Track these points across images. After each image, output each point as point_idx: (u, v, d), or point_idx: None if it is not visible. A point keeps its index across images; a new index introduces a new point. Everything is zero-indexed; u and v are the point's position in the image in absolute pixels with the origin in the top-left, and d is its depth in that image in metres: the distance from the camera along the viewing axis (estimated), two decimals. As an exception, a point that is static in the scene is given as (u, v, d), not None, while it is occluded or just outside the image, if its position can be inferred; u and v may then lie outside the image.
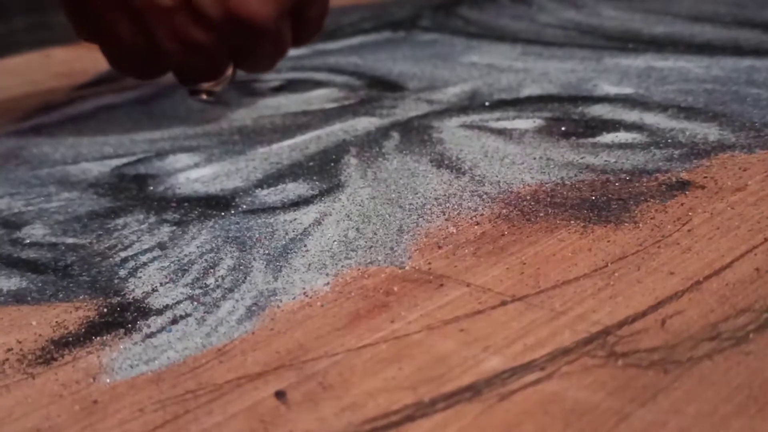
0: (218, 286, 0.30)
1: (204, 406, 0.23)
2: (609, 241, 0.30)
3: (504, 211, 0.34)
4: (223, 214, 0.36)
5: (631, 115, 0.43)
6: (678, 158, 0.37)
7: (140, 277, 0.31)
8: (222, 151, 0.44)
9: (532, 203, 0.34)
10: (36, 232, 0.35)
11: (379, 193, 0.36)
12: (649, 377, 0.23)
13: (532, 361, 0.24)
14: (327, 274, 0.30)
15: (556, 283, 0.28)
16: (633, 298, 0.27)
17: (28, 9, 0.99)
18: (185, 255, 0.32)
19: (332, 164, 0.40)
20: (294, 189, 0.38)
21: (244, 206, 0.36)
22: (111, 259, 0.33)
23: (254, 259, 0.31)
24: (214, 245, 0.33)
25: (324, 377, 0.24)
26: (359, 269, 0.30)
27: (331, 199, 0.36)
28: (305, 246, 0.32)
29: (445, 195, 0.35)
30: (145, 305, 0.29)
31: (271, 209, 0.36)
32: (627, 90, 0.48)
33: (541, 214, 0.33)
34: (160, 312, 0.28)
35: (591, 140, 0.40)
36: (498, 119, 0.45)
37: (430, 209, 0.34)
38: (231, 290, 0.29)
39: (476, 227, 0.32)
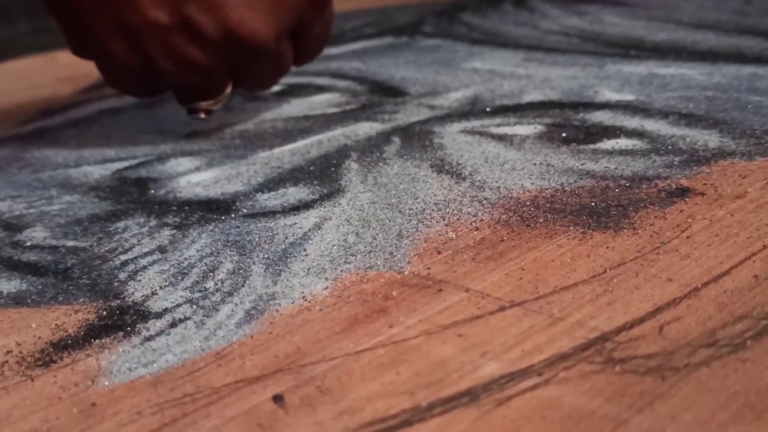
0: (217, 290, 0.30)
1: (202, 410, 0.23)
2: (608, 248, 0.30)
3: (503, 216, 0.34)
4: (223, 218, 0.36)
5: (632, 122, 0.43)
6: (678, 165, 0.37)
7: (140, 281, 0.31)
8: (223, 156, 0.44)
9: (532, 209, 0.34)
10: (37, 234, 0.36)
11: (379, 198, 0.36)
12: (646, 384, 0.23)
13: (530, 366, 0.24)
14: (326, 279, 0.30)
15: (554, 289, 0.28)
16: (631, 304, 0.27)
17: (32, 13, 0.99)
18: (185, 258, 0.32)
19: (333, 169, 0.40)
20: (294, 193, 0.38)
21: (245, 210, 0.36)
22: (111, 262, 0.33)
23: (254, 263, 0.31)
24: (214, 249, 0.33)
25: (322, 381, 0.24)
26: (358, 274, 0.30)
27: (331, 204, 0.36)
28: (305, 250, 0.32)
29: (445, 200, 0.36)
30: (144, 308, 0.29)
31: (271, 213, 0.36)
32: (628, 97, 0.48)
33: (541, 220, 0.33)
34: (159, 315, 0.28)
35: (591, 146, 0.40)
36: (499, 125, 0.45)
37: (429, 214, 0.34)
38: (230, 294, 0.29)
39: (476, 233, 0.32)
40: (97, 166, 0.44)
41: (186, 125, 0.49)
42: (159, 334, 0.27)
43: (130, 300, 0.30)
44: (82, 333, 0.28)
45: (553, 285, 0.28)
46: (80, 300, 0.30)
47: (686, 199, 0.34)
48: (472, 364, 0.24)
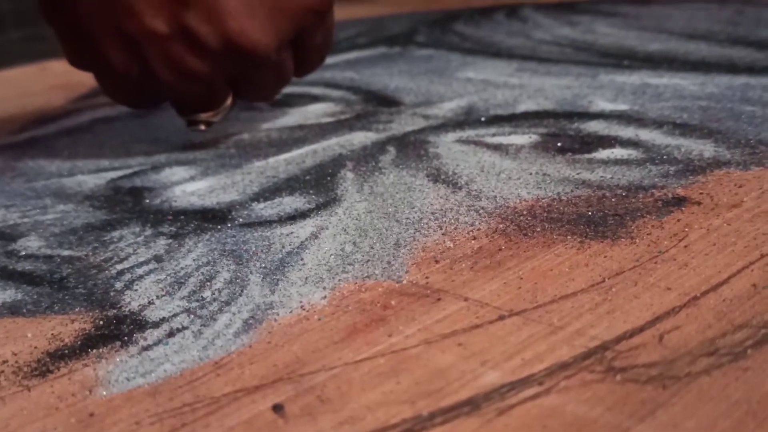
0: (215, 299, 0.30)
1: (201, 420, 0.23)
2: (606, 257, 0.30)
3: (501, 225, 0.34)
4: (219, 227, 0.36)
5: (627, 132, 0.43)
6: (674, 174, 0.37)
7: (136, 290, 0.31)
8: (218, 165, 0.44)
9: (529, 218, 0.34)
10: (31, 244, 0.35)
11: (376, 207, 0.36)
12: (647, 392, 0.23)
13: (531, 375, 0.24)
14: (324, 288, 0.30)
15: (553, 298, 0.28)
16: (630, 313, 0.27)
17: (24, 22, 0.99)
18: (181, 268, 0.32)
19: (329, 178, 0.40)
20: (290, 203, 0.38)
21: (241, 219, 0.36)
22: (107, 271, 0.32)
23: (251, 272, 0.31)
24: (210, 258, 0.33)
25: (322, 391, 0.24)
26: (356, 283, 0.30)
27: (327, 213, 0.36)
28: (302, 259, 0.32)
29: (441, 209, 0.36)
30: (141, 318, 0.29)
31: (267, 223, 0.36)
32: (622, 106, 0.48)
33: (538, 229, 0.33)
34: (156, 325, 0.28)
35: (587, 156, 0.40)
36: (494, 134, 0.45)
37: (426, 224, 0.34)
38: (228, 303, 0.29)
39: (473, 242, 0.32)
40: (91, 175, 0.44)
41: (180, 134, 0.49)
42: (157, 343, 0.27)
43: (127, 309, 0.29)
44: (79, 343, 0.28)
45: (551, 294, 0.28)
46: (76, 309, 0.30)
47: (683, 209, 0.34)
48: (473, 373, 0.24)
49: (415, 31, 0.81)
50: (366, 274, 0.30)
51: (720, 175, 0.37)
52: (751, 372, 0.23)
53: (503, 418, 0.22)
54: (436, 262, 0.31)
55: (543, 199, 0.36)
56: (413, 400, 0.23)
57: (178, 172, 0.43)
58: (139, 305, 0.30)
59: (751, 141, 0.41)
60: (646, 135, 0.43)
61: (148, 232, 0.36)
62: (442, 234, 0.33)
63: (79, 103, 0.62)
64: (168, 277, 0.31)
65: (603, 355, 0.24)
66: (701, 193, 0.35)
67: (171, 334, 0.28)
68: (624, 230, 0.32)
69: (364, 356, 0.25)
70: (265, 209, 0.37)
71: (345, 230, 0.34)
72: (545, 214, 0.34)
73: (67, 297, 0.31)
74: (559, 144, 0.42)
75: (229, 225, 0.36)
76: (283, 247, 0.33)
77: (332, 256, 0.32)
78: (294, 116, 0.52)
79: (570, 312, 0.27)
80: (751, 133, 0.42)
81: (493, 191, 0.37)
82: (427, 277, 0.30)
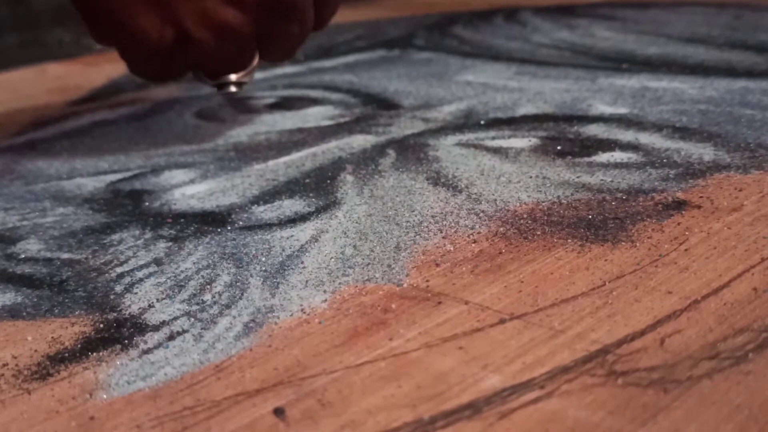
0: (215, 303, 0.29)
1: (202, 423, 0.23)
2: (606, 260, 0.30)
3: (501, 229, 0.34)
4: (219, 230, 0.36)
5: (627, 135, 0.43)
6: (674, 178, 0.37)
7: (136, 293, 0.31)
8: (217, 168, 0.44)
9: (529, 222, 0.34)
10: (31, 247, 0.35)
11: (376, 211, 0.36)
12: (649, 396, 0.23)
13: (532, 379, 0.24)
14: (324, 291, 0.30)
15: (554, 302, 0.28)
16: (631, 317, 0.26)
17: (22, 25, 0.99)
18: (181, 271, 0.32)
19: (328, 181, 0.40)
20: (290, 206, 0.38)
21: (241, 222, 0.36)
22: (107, 274, 0.32)
23: (251, 275, 0.31)
24: (210, 261, 0.33)
25: (323, 394, 0.24)
26: (357, 286, 0.30)
27: (327, 216, 0.36)
28: (302, 263, 0.32)
29: (441, 213, 0.35)
30: (141, 321, 0.29)
31: (267, 226, 0.36)
32: (622, 110, 0.48)
33: (538, 233, 0.33)
34: (156, 328, 0.28)
35: (587, 159, 0.40)
36: (493, 138, 0.45)
37: (427, 227, 0.34)
38: (228, 307, 0.29)
39: (473, 245, 0.32)
40: (91, 178, 0.44)
41: (179, 137, 0.49)
42: (157, 347, 0.27)
43: (127, 313, 0.29)
44: (79, 346, 0.28)
45: (552, 297, 0.28)
46: (76, 313, 0.30)
47: (683, 212, 0.34)
48: (474, 376, 0.24)
49: (413, 34, 0.81)
50: (366, 278, 0.30)
51: (720, 178, 0.37)
52: (753, 376, 0.23)
53: (504, 422, 0.22)
54: (437, 265, 0.31)
55: (543, 202, 0.36)
56: (414, 404, 0.23)
57: (178, 175, 0.43)
58: (140, 308, 0.30)
59: (750, 144, 0.41)
60: (645, 138, 0.43)
61: (148, 235, 0.36)
62: (443, 237, 0.33)
63: (78, 105, 0.62)
64: (168, 281, 0.31)
65: (604, 359, 0.24)
66: (701, 197, 0.35)
67: (171, 337, 0.27)
68: (624, 234, 0.32)
69: (364, 360, 0.25)
70: (265, 212, 0.37)
71: (345, 233, 0.34)
72: (545, 218, 0.34)
73: (67, 300, 0.31)
74: (558, 147, 0.42)
75: (229, 228, 0.36)
76: (284, 250, 0.33)
77: (332, 260, 0.32)
78: (293, 119, 0.52)
79: (571, 316, 0.27)
80: (751, 136, 0.42)
81: (493, 194, 0.37)
82: (427, 281, 0.30)
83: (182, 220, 0.37)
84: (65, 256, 0.34)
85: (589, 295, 0.28)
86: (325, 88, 0.60)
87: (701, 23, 0.74)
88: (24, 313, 0.30)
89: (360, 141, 0.46)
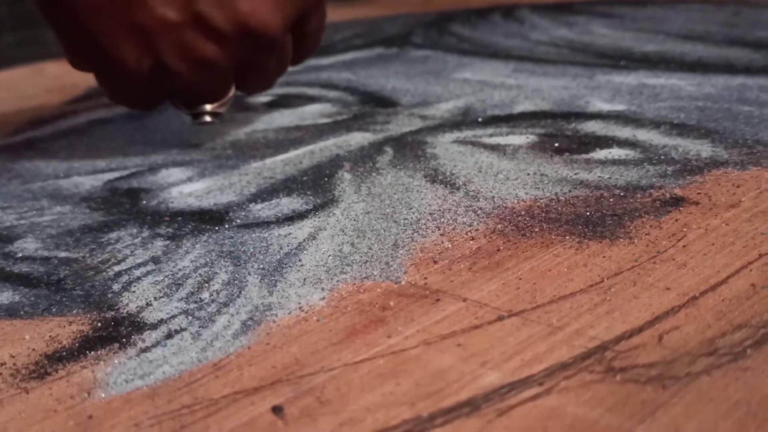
0: (213, 301, 0.29)
1: (200, 421, 0.23)
2: (604, 257, 0.30)
3: (499, 226, 0.34)
4: (216, 228, 0.36)
5: (624, 132, 0.43)
6: (671, 174, 0.37)
7: (134, 292, 0.31)
8: (215, 166, 0.44)
9: (527, 219, 0.34)
10: (28, 246, 0.35)
11: (374, 208, 0.36)
12: (647, 393, 0.23)
13: (530, 376, 0.24)
14: (322, 289, 0.30)
15: (552, 299, 0.28)
16: (630, 313, 0.26)
17: (19, 25, 0.99)
18: (179, 269, 0.32)
19: (326, 179, 0.40)
20: (288, 203, 0.38)
21: (238, 220, 0.36)
22: (104, 273, 0.32)
23: (249, 273, 0.31)
24: (208, 259, 0.33)
25: (321, 392, 0.24)
26: (355, 284, 0.30)
27: (325, 214, 0.36)
28: (300, 260, 0.32)
29: (439, 210, 0.35)
30: (139, 319, 0.29)
31: (265, 224, 0.36)
32: (619, 107, 0.48)
33: (536, 230, 0.33)
34: (154, 326, 0.28)
35: (584, 156, 0.40)
36: (491, 135, 0.45)
37: (424, 224, 0.34)
38: (226, 305, 0.29)
39: (471, 242, 0.32)
40: (88, 176, 0.44)
41: (177, 136, 0.49)
42: (155, 345, 0.27)
43: (125, 311, 0.29)
44: (77, 345, 0.27)
45: (550, 294, 0.28)
46: (74, 311, 0.30)
47: (681, 209, 0.34)
48: (472, 374, 0.24)
49: (411, 32, 0.81)
50: (364, 275, 0.30)
51: (718, 175, 0.37)
52: (751, 372, 0.23)
53: (503, 419, 0.22)
54: (435, 262, 0.31)
55: (541, 199, 0.36)
56: (413, 401, 0.23)
57: (175, 174, 0.43)
58: (137, 307, 0.30)
59: (748, 141, 0.41)
60: (643, 135, 0.43)
61: (146, 233, 0.36)
62: (440, 235, 0.33)
63: (75, 104, 0.62)
64: (166, 279, 0.31)
65: (602, 356, 0.24)
66: (699, 193, 0.35)
67: (169, 335, 0.27)
68: (622, 230, 0.32)
69: (363, 357, 0.25)
70: (262, 210, 0.37)
71: (343, 231, 0.34)
72: (543, 215, 0.34)
73: (64, 299, 0.31)
74: (556, 144, 0.42)
75: (227, 226, 0.36)
76: (281, 248, 0.33)
77: (330, 257, 0.32)
78: (290, 117, 0.52)
79: (569, 312, 0.27)
80: (749, 133, 0.42)
81: (491, 192, 0.37)
82: (425, 278, 0.30)
83: (179, 218, 0.37)
84: (62, 254, 0.34)
85: (587, 292, 0.28)
86: (323, 86, 0.60)
87: (699, 20, 0.74)
88: (21, 312, 0.30)
89: (358, 138, 0.46)
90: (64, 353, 0.27)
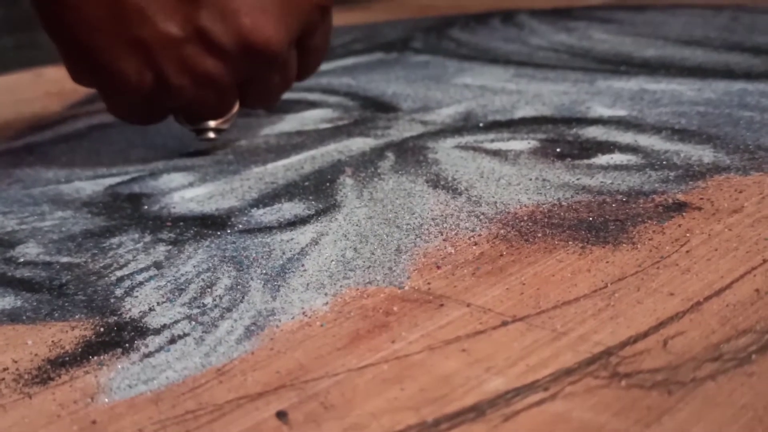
0: (216, 306, 0.29)
1: (204, 427, 0.23)
2: (608, 262, 0.30)
3: (502, 231, 0.34)
4: (219, 233, 0.35)
5: (626, 137, 0.43)
6: (674, 180, 0.37)
7: (137, 297, 0.31)
8: (216, 171, 0.44)
9: (530, 224, 0.34)
10: (30, 251, 0.35)
11: (376, 213, 0.36)
12: (653, 398, 0.23)
13: (535, 381, 0.24)
14: (326, 294, 0.30)
15: (556, 304, 0.28)
16: (634, 318, 0.26)
17: (18, 28, 0.99)
18: (182, 274, 0.32)
19: (328, 184, 0.40)
20: (290, 209, 0.37)
21: (240, 226, 0.36)
22: (106, 278, 0.32)
23: (251, 278, 0.31)
24: (210, 265, 0.33)
25: (326, 397, 0.24)
26: (358, 289, 0.30)
27: (327, 219, 0.36)
28: (303, 266, 0.32)
29: (442, 215, 0.35)
30: (142, 325, 0.29)
31: (267, 229, 0.36)
32: (620, 112, 0.48)
33: (539, 235, 0.33)
34: (157, 332, 0.28)
35: (586, 161, 0.40)
36: (493, 140, 0.45)
37: (427, 229, 0.34)
38: (229, 310, 0.29)
39: (474, 247, 0.32)
40: (89, 181, 0.44)
41: (178, 141, 0.49)
42: (158, 350, 0.27)
43: (128, 316, 0.29)
44: (80, 350, 0.27)
45: (554, 300, 0.28)
46: (76, 316, 0.30)
47: (683, 214, 0.34)
48: (477, 379, 0.24)
49: (411, 37, 0.81)
50: (368, 280, 0.30)
51: (720, 180, 0.37)
52: (757, 377, 0.23)
53: (509, 424, 0.22)
54: (438, 267, 0.31)
55: (543, 204, 0.36)
56: (418, 406, 0.23)
57: (177, 179, 0.43)
58: (140, 312, 0.29)
59: (750, 146, 0.41)
60: (644, 140, 0.43)
61: (148, 238, 0.36)
62: (443, 240, 0.33)
63: (76, 109, 0.62)
64: (168, 284, 0.31)
65: (607, 361, 0.24)
66: (702, 199, 0.35)
67: (172, 340, 0.27)
68: (625, 236, 0.32)
69: (367, 362, 0.25)
70: (264, 215, 0.37)
71: (345, 236, 0.34)
72: (546, 220, 0.34)
73: (67, 304, 0.31)
74: (558, 150, 0.42)
75: (229, 231, 0.36)
76: (284, 253, 0.33)
77: (333, 262, 0.32)
78: (292, 122, 0.52)
79: (573, 317, 0.27)
80: (750, 138, 0.42)
81: (493, 197, 0.37)
82: (429, 283, 0.30)
83: (182, 223, 0.37)
84: (64, 259, 0.34)
85: (591, 297, 0.28)
86: (323, 91, 0.60)
87: (698, 25, 0.74)
88: (24, 317, 0.30)
89: (359, 144, 0.46)
90: (67, 358, 0.27)
